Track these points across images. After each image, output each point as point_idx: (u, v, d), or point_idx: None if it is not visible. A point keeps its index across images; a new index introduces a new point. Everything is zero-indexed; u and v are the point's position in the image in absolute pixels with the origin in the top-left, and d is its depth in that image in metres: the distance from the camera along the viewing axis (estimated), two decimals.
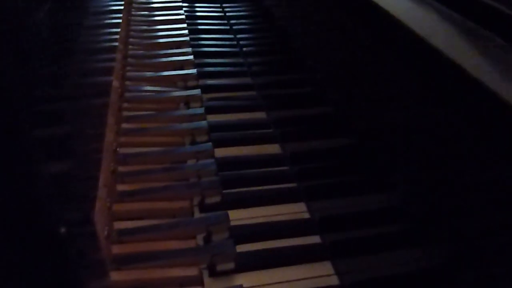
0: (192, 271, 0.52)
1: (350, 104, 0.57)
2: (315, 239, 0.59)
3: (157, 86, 0.84)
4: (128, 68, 0.86)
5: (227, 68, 0.95)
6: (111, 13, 0.77)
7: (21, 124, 0.21)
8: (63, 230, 0.23)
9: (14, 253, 0.23)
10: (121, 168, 0.64)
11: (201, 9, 1.19)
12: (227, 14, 1.16)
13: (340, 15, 0.58)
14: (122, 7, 0.94)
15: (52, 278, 0.24)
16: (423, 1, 0.41)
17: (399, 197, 0.46)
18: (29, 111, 0.21)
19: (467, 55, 0.33)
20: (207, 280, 0.53)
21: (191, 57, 0.91)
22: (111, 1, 0.77)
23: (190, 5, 1.19)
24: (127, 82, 0.82)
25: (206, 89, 0.86)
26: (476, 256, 0.35)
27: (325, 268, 0.55)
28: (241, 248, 0.56)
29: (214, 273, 0.53)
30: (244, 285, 0.51)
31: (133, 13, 1.06)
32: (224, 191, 0.63)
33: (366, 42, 0.50)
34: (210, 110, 0.79)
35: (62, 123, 0.29)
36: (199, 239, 0.57)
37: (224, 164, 0.68)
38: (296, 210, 0.63)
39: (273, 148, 0.74)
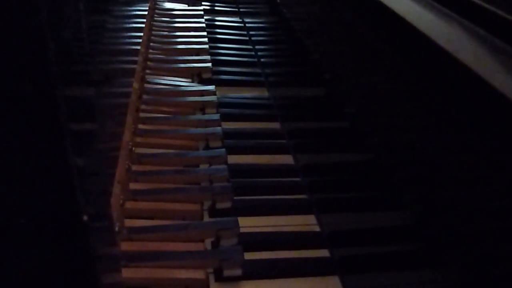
0: (199, 274, 0.52)
1: (368, 119, 0.58)
2: (323, 252, 0.58)
3: (175, 90, 0.85)
4: (147, 71, 0.87)
5: (244, 77, 0.97)
6: (136, 18, 0.79)
7: (59, 120, 0.22)
8: (85, 218, 0.24)
9: (40, 240, 0.24)
10: (135, 167, 0.65)
11: (221, 19, 1.21)
12: (247, 25, 1.18)
13: (360, 29, 0.59)
14: (146, 12, 0.97)
15: (74, 266, 0.25)
16: (451, 18, 0.41)
17: (413, 216, 0.46)
18: (64, 106, 0.22)
19: (496, 73, 0.33)
20: (213, 284, 0.53)
21: (209, 64, 0.93)
22: (136, 6, 0.80)
23: (211, 14, 1.21)
24: (146, 85, 0.83)
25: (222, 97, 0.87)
26: (489, 280, 0.35)
27: (332, 283, 0.54)
28: (249, 255, 0.55)
29: (220, 278, 0.53)
30: None
31: (155, 18, 1.09)
32: (235, 198, 0.63)
33: (387, 55, 0.51)
34: (225, 118, 0.80)
35: (92, 119, 0.30)
36: (207, 244, 0.57)
37: (236, 171, 0.68)
38: (306, 222, 0.63)
39: (286, 159, 0.74)
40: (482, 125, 0.35)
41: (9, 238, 0.25)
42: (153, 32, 1.00)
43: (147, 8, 0.98)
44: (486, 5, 0.38)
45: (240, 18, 1.20)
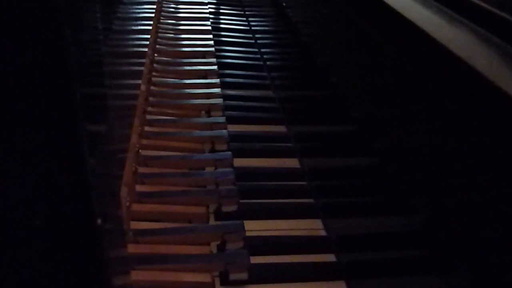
0: (204, 278, 0.52)
1: (374, 123, 0.58)
2: (330, 257, 0.58)
3: (180, 93, 0.85)
4: (154, 73, 0.88)
5: (250, 80, 0.97)
6: (144, 20, 0.79)
7: (77, 122, 0.22)
8: (99, 221, 0.24)
9: (54, 244, 0.24)
10: (141, 169, 0.65)
11: (227, 22, 1.21)
12: (253, 28, 1.18)
13: (368, 33, 0.59)
14: (153, 15, 0.97)
15: (86, 268, 0.25)
16: (466, 25, 0.41)
17: (420, 221, 0.46)
18: (82, 108, 0.23)
19: (509, 79, 0.33)
20: None
21: (215, 67, 0.93)
22: (144, 9, 0.80)
23: (216, 17, 1.22)
24: (152, 87, 0.84)
25: (227, 99, 0.87)
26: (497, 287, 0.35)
27: (338, 287, 0.54)
28: (255, 259, 0.55)
29: (226, 282, 0.53)
30: None
31: (161, 20, 1.09)
32: (241, 201, 0.63)
33: (395, 58, 0.51)
34: (230, 120, 0.80)
35: (105, 120, 0.30)
36: (213, 247, 0.57)
37: (242, 174, 0.68)
38: (312, 227, 0.63)
39: (292, 162, 0.74)
40: (494, 131, 0.35)
41: (23, 240, 0.25)
42: None
43: (154, 11, 0.99)
44: (500, 12, 0.38)
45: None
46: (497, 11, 0.38)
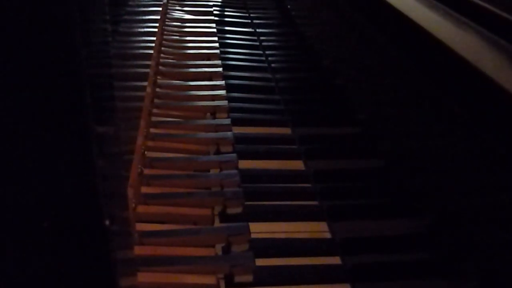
0: (209, 280, 0.52)
1: (379, 125, 0.57)
2: (335, 260, 0.58)
3: (185, 95, 0.86)
4: (159, 76, 0.88)
5: (255, 82, 0.97)
6: (149, 22, 0.80)
7: (86, 123, 0.22)
8: (107, 222, 0.24)
9: (62, 244, 0.24)
10: (146, 171, 0.65)
11: (232, 24, 1.22)
12: (257, 30, 1.19)
13: (372, 35, 0.59)
14: (158, 17, 0.98)
15: (93, 270, 0.25)
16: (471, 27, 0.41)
17: (426, 224, 0.46)
18: (88, 109, 0.23)
19: None
20: None
21: (220, 69, 0.94)
22: (149, 11, 0.81)
23: (221, 19, 1.22)
24: (158, 89, 0.84)
25: (232, 101, 0.87)
26: None
27: None
28: (260, 262, 0.55)
29: (231, 284, 0.53)
30: None
31: (166, 23, 1.10)
32: (246, 203, 0.63)
33: (400, 63, 0.51)
34: (235, 122, 0.80)
35: (113, 122, 0.30)
36: (218, 249, 0.57)
37: (247, 176, 0.68)
38: (317, 229, 0.62)
39: (297, 165, 0.74)
40: (501, 134, 0.35)
41: (31, 241, 0.25)
42: None
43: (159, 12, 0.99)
44: (507, 15, 0.38)
45: None
46: (504, 14, 0.38)
